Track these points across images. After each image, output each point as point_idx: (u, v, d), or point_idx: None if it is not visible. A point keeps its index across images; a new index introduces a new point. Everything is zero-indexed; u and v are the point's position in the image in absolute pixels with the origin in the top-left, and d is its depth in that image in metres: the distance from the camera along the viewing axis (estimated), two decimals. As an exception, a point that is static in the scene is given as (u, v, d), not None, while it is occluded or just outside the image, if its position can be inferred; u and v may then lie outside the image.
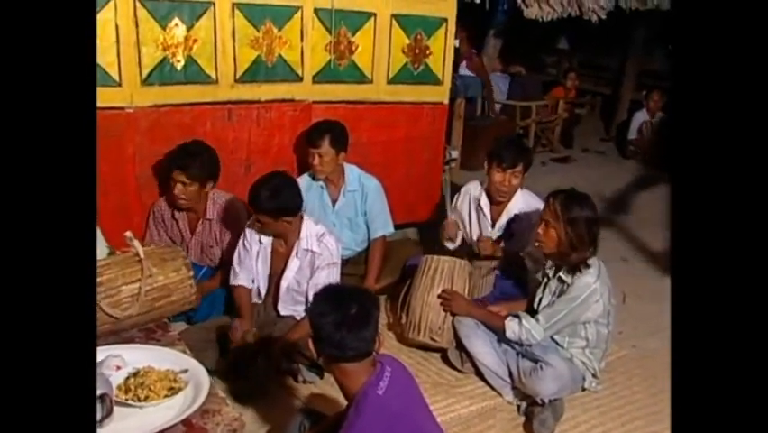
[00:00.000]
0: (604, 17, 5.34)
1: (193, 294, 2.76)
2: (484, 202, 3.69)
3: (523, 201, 3.58)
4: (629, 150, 7.77)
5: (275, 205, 2.99)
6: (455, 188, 4.71)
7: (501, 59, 7.95)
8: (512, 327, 3.02)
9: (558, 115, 7.86)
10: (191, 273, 2.75)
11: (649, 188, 6.61)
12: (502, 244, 3.66)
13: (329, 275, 3.16)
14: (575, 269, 2.95)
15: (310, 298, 3.14)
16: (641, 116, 7.72)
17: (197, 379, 2.24)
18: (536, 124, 7.60)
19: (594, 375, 3.11)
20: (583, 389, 3.12)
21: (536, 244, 3.07)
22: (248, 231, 3.24)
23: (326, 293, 2.04)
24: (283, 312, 3.26)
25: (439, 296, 3.30)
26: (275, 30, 3.69)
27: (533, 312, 3.10)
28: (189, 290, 2.75)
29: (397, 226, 4.06)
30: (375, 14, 3.96)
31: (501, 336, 3.12)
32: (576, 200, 2.97)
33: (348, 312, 1.93)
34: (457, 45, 4.40)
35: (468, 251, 3.75)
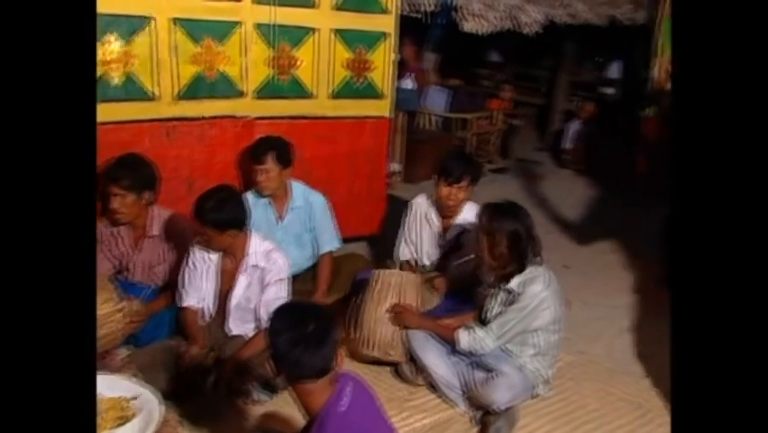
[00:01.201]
0: (540, 30, 5.48)
1: (120, 330, 2.61)
2: (433, 215, 3.72)
3: (471, 213, 3.61)
4: (564, 159, 7.98)
5: (220, 216, 2.94)
6: (399, 202, 4.74)
7: (438, 73, 8.05)
8: (464, 338, 3.04)
9: (495, 126, 7.99)
10: (120, 306, 2.61)
11: (585, 196, 6.80)
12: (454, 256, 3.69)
13: (278, 291, 3.12)
14: (515, 279, 2.99)
15: (261, 315, 3.09)
16: (574, 126, 7.96)
17: (149, 405, 2.18)
18: (475, 135, 7.71)
19: (545, 382, 3.15)
20: (535, 396, 3.16)
21: (473, 255, 3.14)
22: (194, 248, 3.17)
23: (283, 311, 2.02)
24: (233, 331, 3.19)
25: (390, 310, 3.29)
26: (215, 45, 3.65)
27: (482, 322, 3.13)
28: (116, 325, 2.60)
29: (342, 241, 4.04)
30: (316, 29, 3.96)
31: (453, 348, 3.13)
32: (500, 213, 3.02)
33: (305, 330, 1.91)
34: (396, 59, 4.42)
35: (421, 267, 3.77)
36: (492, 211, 3.02)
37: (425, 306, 3.51)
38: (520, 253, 2.96)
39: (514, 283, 3.02)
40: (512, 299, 3.03)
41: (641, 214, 5.84)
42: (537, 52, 9.22)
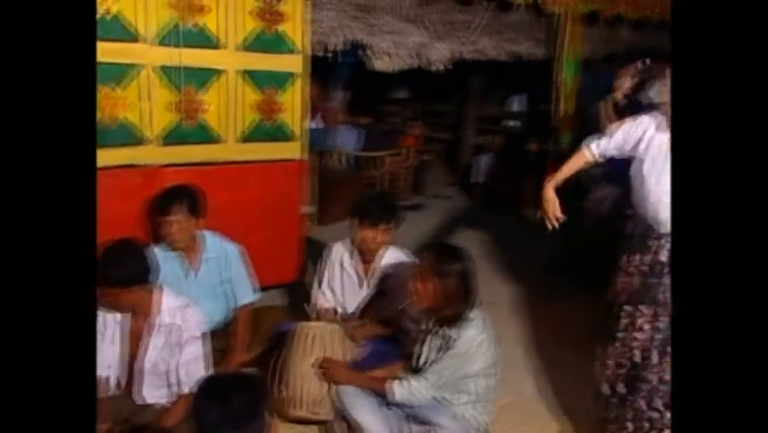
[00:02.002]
0: (446, 67, 5.48)
1: None
2: (353, 261, 3.56)
3: (393, 257, 3.49)
4: (476, 193, 8.03)
5: (122, 271, 2.67)
6: (315, 245, 4.56)
7: (348, 111, 8.00)
8: (399, 390, 2.88)
9: (407, 163, 7.99)
10: None
11: (500, 229, 6.81)
12: (377, 302, 3.53)
13: (197, 350, 2.87)
14: (456, 322, 2.88)
15: (180, 378, 2.83)
16: (484, 160, 8.05)
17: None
18: (387, 173, 7.68)
19: (485, 429, 3.02)
20: (475, 445, 3.03)
21: (413, 299, 2.98)
22: (98, 311, 2.88)
23: (208, 385, 1.81)
24: (148, 399, 2.89)
25: (316, 365, 3.10)
26: (114, 90, 3.40)
27: (416, 370, 2.99)
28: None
29: (260, 291, 3.82)
30: (223, 71, 3.77)
31: (387, 401, 2.96)
32: (449, 253, 2.93)
33: (234, 404, 1.71)
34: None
35: (342, 315, 3.59)
36: (440, 253, 2.91)
37: (352, 357, 3.33)
38: (470, 293, 2.87)
39: (448, 328, 2.89)
40: (448, 344, 2.90)
41: (557, 245, 5.86)
42: (444, 88, 9.33)
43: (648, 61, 5.47)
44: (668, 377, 2.86)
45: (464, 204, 8.00)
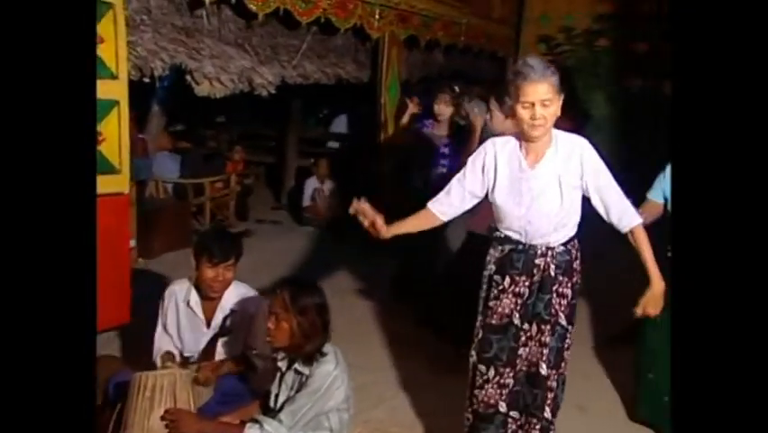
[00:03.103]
0: (273, 92, 5.38)
1: None
2: (195, 301, 3.34)
3: (236, 293, 3.33)
4: (304, 216, 7.97)
5: None
6: (142, 279, 4.25)
7: (169, 137, 7.62)
8: (253, 435, 2.73)
9: (230, 188, 7.76)
10: None
11: (331, 252, 6.79)
12: (221, 342, 3.34)
13: None
14: (311, 359, 2.80)
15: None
16: (312, 183, 8.02)
17: None
18: (210, 200, 7.41)
19: (341, 464, 2.95)
20: (332, 483, 2.94)
21: (267, 339, 2.86)
22: None
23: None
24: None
25: (162, 418, 2.85)
26: None
27: (269, 410, 2.86)
28: None
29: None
30: (33, 99, 3.41)
31: (241, 448, 2.80)
32: (304, 289, 2.86)
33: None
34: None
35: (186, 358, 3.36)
36: (294, 289, 2.81)
37: (201, 404, 3.12)
38: (327, 328, 2.82)
39: (301, 365, 2.80)
40: (301, 381, 2.81)
41: (388, 265, 5.86)
42: (265, 111, 9.21)
43: (457, 88, 5.77)
44: (563, 378, 3.03)
45: (292, 227, 7.90)
